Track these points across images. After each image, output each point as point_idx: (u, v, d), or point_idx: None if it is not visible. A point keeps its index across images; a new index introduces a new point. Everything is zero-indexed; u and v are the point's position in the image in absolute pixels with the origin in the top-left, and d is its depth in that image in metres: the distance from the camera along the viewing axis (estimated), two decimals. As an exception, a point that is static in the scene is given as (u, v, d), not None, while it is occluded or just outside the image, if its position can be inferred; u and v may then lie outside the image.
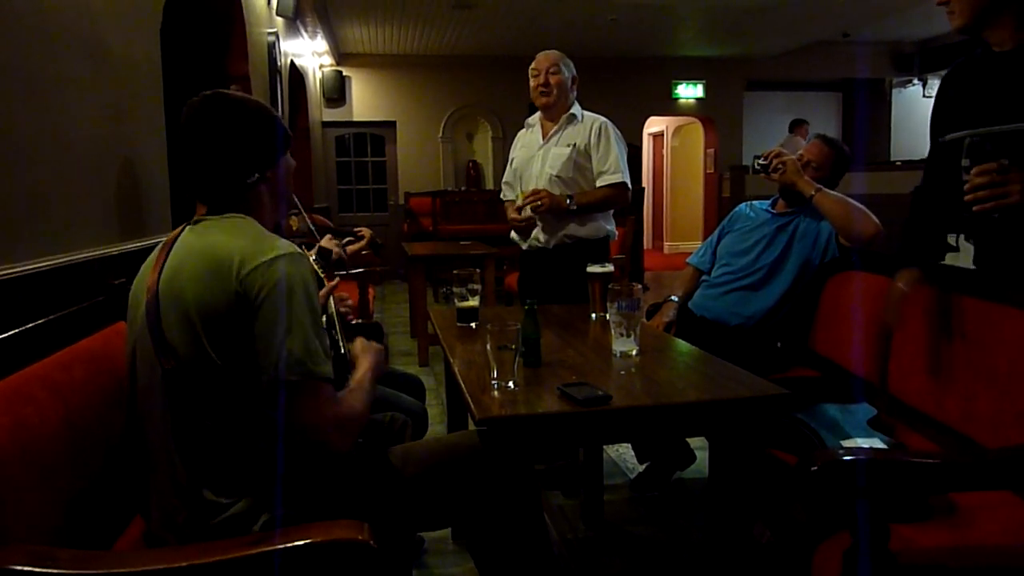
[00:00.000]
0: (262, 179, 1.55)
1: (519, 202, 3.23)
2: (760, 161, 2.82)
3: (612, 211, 3.33)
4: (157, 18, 2.90)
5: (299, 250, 1.47)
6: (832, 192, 2.66)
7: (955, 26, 1.92)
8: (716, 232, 3.07)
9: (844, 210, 2.60)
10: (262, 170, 1.55)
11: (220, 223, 1.50)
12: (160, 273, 1.45)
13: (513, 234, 3.42)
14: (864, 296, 2.44)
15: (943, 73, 2.10)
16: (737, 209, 3.02)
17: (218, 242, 1.44)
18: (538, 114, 3.35)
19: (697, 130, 12.31)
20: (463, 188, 10.61)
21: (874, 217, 2.57)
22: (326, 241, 2.24)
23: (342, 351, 1.85)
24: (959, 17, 1.90)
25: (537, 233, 3.25)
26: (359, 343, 1.81)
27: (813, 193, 2.66)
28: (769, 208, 2.86)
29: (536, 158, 3.28)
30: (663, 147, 13.46)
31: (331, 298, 2.08)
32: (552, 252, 3.23)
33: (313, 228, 2.21)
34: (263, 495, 1.43)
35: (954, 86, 2.02)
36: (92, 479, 1.47)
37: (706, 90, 11.45)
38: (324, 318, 1.91)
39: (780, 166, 2.74)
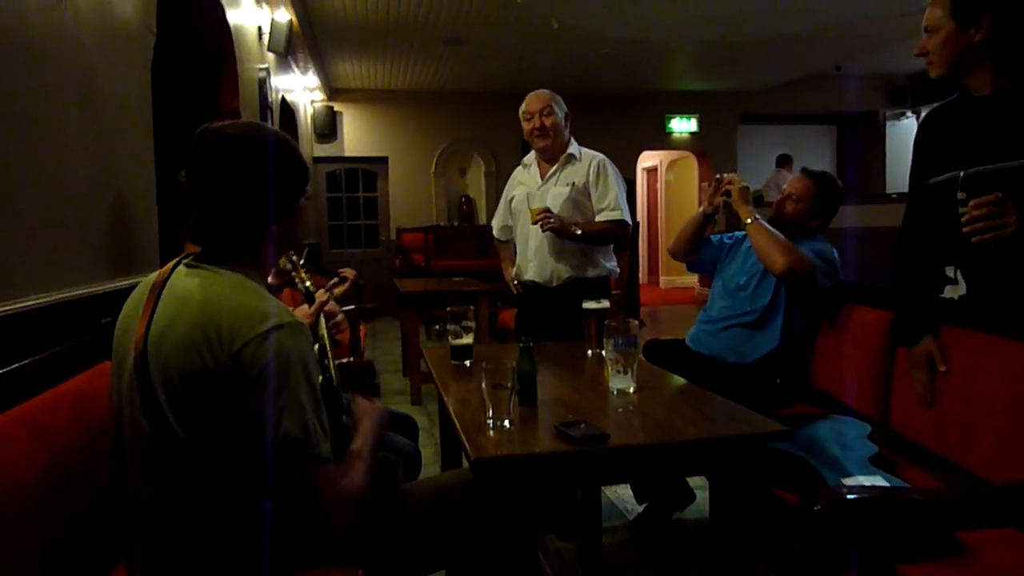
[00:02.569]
0: (274, 230, 1.46)
1: (532, 219, 3.24)
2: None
3: (612, 247, 3.36)
4: (148, 55, 2.93)
5: (296, 319, 1.40)
6: (766, 226, 2.69)
7: (934, 75, 2.00)
8: (726, 237, 3.07)
9: (765, 243, 2.64)
10: (277, 220, 1.46)
11: (216, 277, 1.42)
12: (148, 326, 1.38)
13: (513, 273, 3.45)
14: (863, 330, 2.45)
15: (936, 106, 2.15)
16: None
17: (211, 304, 1.36)
18: (534, 153, 3.39)
19: (691, 164, 12.42)
20: (456, 224, 10.67)
21: (794, 256, 2.57)
22: (321, 294, 2.21)
23: (334, 383, 1.81)
24: (937, 67, 1.98)
25: (535, 274, 3.27)
26: (361, 403, 1.73)
27: (748, 221, 2.73)
28: None
29: (535, 198, 3.32)
30: (657, 181, 13.58)
31: (321, 318, 2.02)
32: (552, 291, 3.26)
33: (296, 260, 2.19)
34: (246, 566, 1.39)
35: (933, 131, 2.08)
36: (76, 525, 1.45)
37: (700, 124, 11.58)
38: (316, 348, 1.87)
39: (729, 191, 2.83)
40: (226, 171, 1.40)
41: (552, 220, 3.13)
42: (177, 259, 1.50)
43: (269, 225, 1.45)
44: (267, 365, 1.31)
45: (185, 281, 1.43)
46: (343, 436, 1.56)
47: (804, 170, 2.88)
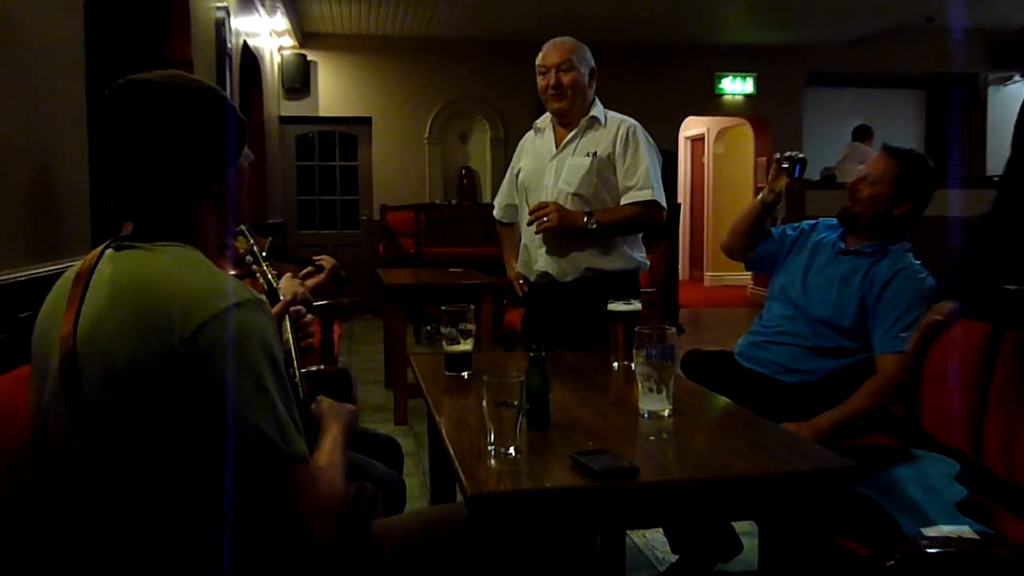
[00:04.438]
0: (209, 193, 1.51)
1: (525, 219, 3.23)
2: (784, 164, 2.88)
3: (641, 235, 3.35)
4: (81, -9, 2.95)
5: (254, 294, 1.43)
6: (852, 413, 2.56)
7: None
8: (789, 229, 3.06)
9: (869, 413, 2.58)
10: (210, 183, 1.51)
11: (152, 254, 1.44)
12: (76, 320, 1.39)
13: (518, 267, 3.45)
14: (955, 345, 2.44)
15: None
16: (819, 225, 3.02)
17: (152, 283, 1.39)
18: (549, 115, 3.38)
19: (746, 134, 12.40)
20: (454, 201, 10.67)
21: (896, 391, 2.57)
22: (286, 282, 2.21)
23: (300, 397, 1.83)
24: None
25: (546, 264, 3.26)
26: (325, 404, 1.77)
27: (834, 422, 2.54)
28: (839, 240, 2.88)
29: (548, 170, 3.30)
30: (704, 154, 13.57)
31: (286, 320, 2.03)
32: (567, 287, 3.25)
33: (258, 251, 2.21)
34: None
35: None
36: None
37: (757, 85, 11.56)
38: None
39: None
40: (144, 121, 1.45)
41: (546, 219, 3.10)
42: (106, 242, 1.52)
43: (199, 187, 1.49)
44: (226, 351, 1.33)
45: (116, 265, 1.45)
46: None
47: (886, 147, 2.86)
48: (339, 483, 1.51)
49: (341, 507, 1.49)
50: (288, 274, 2.50)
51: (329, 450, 1.59)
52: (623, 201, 3.23)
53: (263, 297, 1.46)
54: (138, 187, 1.47)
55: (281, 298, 2.05)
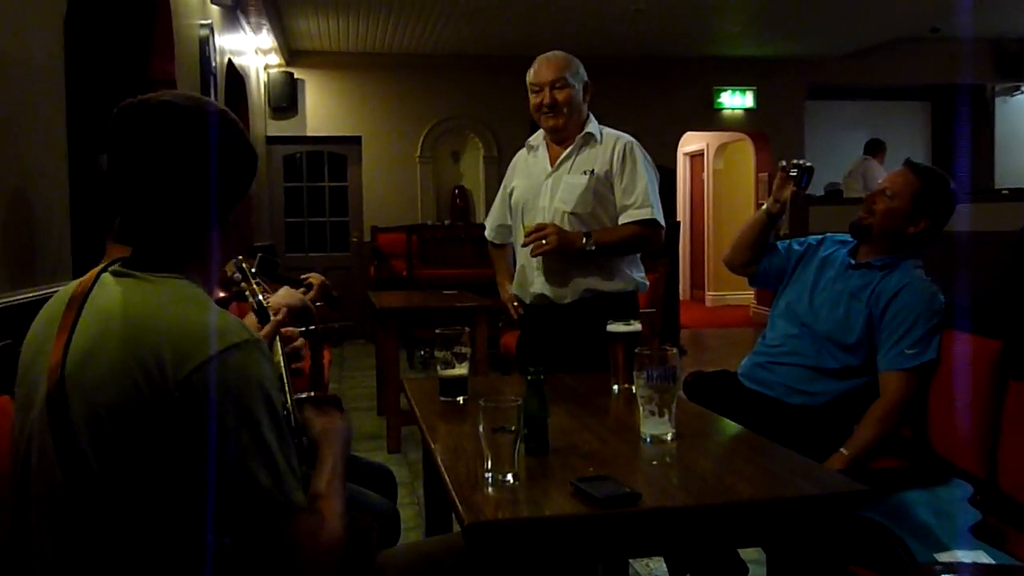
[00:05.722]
0: (221, 223, 1.50)
1: (520, 241, 3.23)
2: (792, 172, 2.87)
3: (640, 255, 3.35)
4: (61, 8, 2.96)
5: (254, 334, 1.41)
6: (864, 440, 2.57)
7: None
8: (796, 243, 3.07)
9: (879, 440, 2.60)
10: (225, 213, 1.50)
11: (151, 286, 1.42)
12: (67, 348, 1.38)
13: (512, 290, 3.44)
14: (965, 363, 2.44)
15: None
16: (827, 240, 3.03)
17: (146, 320, 1.36)
18: (543, 132, 3.39)
19: (746, 148, 12.44)
20: (447, 222, 10.69)
21: (905, 412, 2.60)
22: (284, 292, 2.20)
23: (293, 423, 1.82)
24: None
25: (544, 286, 3.26)
26: (316, 422, 1.74)
27: (845, 455, 2.55)
28: (849, 256, 2.88)
29: (543, 189, 3.30)
30: (703, 170, 13.60)
31: (276, 341, 2.01)
32: (565, 309, 3.25)
33: (247, 268, 2.20)
34: None
35: None
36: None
37: (757, 99, 11.60)
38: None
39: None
40: (160, 146, 1.41)
41: (545, 241, 3.07)
42: (102, 265, 1.51)
43: (214, 217, 1.48)
44: (222, 396, 1.31)
45: (112, 292, 1.43)
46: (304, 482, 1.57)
47: (908, 162, 2.86)
48: (338, 527, 1.48)
49: (341, 552, 1.46)
50: (286, 287, 2.49)
51: (326, 487, 1.55)
52: (621, 220, 3.22)
53: (261, 339, 1.44)
54: (148, 214, 1.45)
55: (272, 317, 2.04)
